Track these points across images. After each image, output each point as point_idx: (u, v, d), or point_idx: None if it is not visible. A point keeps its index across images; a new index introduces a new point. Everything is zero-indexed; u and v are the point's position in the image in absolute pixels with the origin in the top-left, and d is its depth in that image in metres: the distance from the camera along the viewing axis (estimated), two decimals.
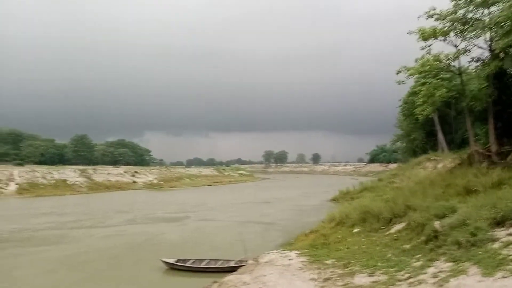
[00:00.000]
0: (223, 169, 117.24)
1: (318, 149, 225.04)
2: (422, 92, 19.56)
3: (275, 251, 13.56)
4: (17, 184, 56.56)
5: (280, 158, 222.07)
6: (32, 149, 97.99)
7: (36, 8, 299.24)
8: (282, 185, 77.75)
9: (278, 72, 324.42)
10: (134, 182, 73.15)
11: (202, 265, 14.96)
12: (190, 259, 15.38)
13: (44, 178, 61.31)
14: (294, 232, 19.69)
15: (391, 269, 9.01)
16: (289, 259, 11.60)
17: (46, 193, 55.16)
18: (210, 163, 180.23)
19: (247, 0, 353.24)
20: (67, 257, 17.51)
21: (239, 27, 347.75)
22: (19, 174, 59.77)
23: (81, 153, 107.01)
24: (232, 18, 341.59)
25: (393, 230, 12.47)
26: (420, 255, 9.41)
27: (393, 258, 9.92)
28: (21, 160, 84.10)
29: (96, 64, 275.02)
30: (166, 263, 15.07)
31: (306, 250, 12.57)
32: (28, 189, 56.05)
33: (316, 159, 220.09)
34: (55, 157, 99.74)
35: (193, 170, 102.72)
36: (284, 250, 13.32)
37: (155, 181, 77.18)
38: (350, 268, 9.86)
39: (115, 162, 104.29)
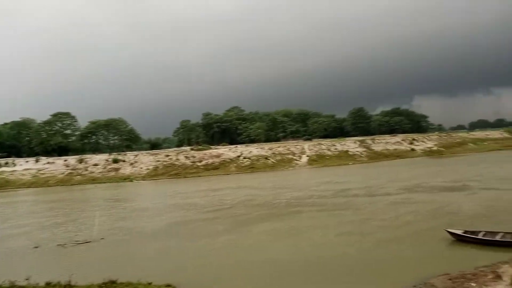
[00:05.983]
0: None
1: None
2: None
3: None
4: (307, 156, 66.27)
5: None
6: (317, 125, 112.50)
7: None
8: None
9: None
10: (412, 149, 72.25)
11: (497, 238, 13.46)
12: (480, 231, 14.05)
13: (328, 150, 69.14)
14: None
15: None
16: None
17: (331, 163, 62.22)
18: (499, 124, 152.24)
19: None
20: (354, 222, 19.15)
21: None
22: (309, 147, 69.81)
23: (359, 124, 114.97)
24: None
25: None
26: None
27: None
28: (309, 135, 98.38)
29: None
30: (452, 234, 14.20)
31: None
32: (316, 160, 64.78)
33: None
34: (336, 130, 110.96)
35: (478, 134, 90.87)
36: None
37: (435, 148, 73.51)
38: None
39: (391, 131, 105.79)
